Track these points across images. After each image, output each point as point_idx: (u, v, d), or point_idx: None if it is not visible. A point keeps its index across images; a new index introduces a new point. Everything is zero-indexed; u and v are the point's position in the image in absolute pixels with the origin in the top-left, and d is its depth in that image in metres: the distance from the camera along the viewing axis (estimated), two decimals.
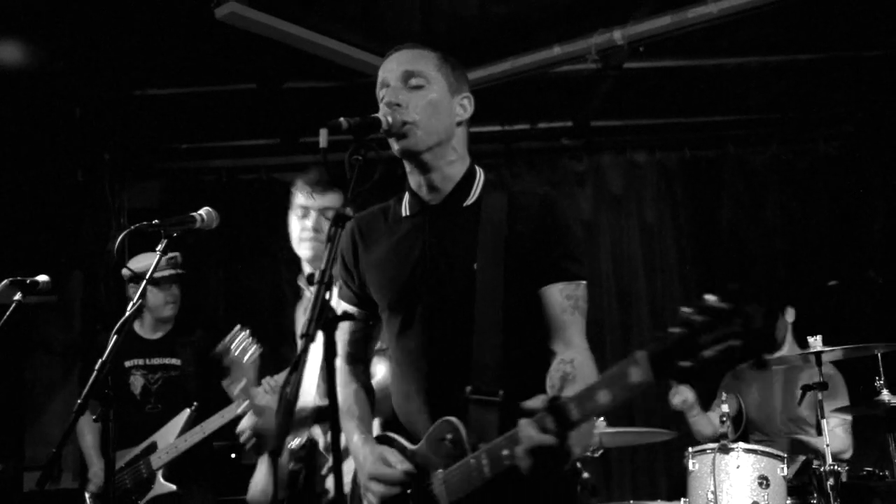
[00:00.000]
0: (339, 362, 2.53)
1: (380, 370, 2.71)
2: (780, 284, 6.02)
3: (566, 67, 5.41)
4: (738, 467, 4.15)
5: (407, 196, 2.43)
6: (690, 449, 4.37)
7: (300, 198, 3.30)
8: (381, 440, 2.39)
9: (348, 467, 2.70)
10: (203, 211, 3.08)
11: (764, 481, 4.10)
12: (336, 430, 1.82)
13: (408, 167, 2.37)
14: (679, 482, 4.62)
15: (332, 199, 3.26)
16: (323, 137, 2.03)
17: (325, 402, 2.94)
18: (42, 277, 3.48)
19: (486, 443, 2.04)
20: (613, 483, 6.06)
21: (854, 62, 5.67)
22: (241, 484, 3.36)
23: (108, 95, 5.56)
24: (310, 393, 3.00)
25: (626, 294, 6.34)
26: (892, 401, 4.16)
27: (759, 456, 4.17)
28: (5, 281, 3.40)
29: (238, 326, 3.17)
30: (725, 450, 4.19)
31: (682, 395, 4.82)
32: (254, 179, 6.36)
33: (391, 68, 2.33)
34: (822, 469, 4.10)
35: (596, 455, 4.61)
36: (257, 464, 3.23)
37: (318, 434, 3.07)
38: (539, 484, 1.94)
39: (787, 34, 5.34)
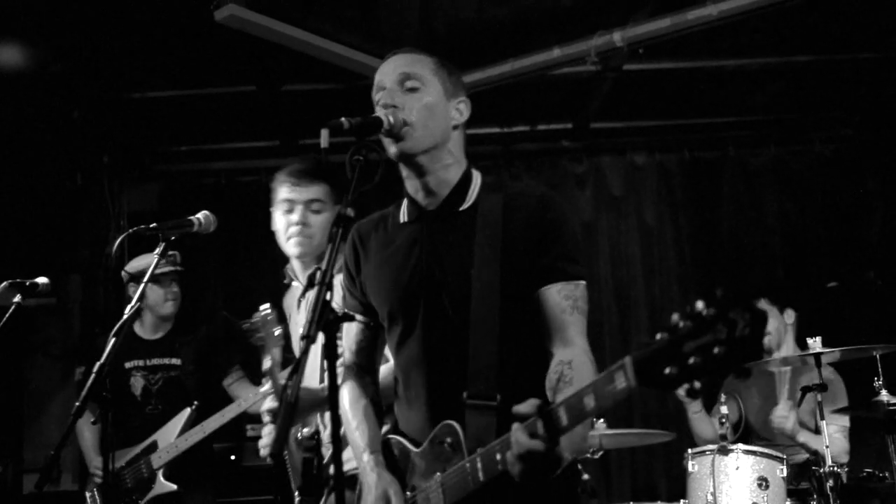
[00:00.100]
0: (348, 376, 2.54)
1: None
2: (779, 286, 6.02)
3: (566, 69, 5.41)
4: (737, 469, 4.14)
5: (405, 202, 2.43)
6: (690, 450, 4.37)
7: (283, 191, 3.22)
8: (387, 444, 2.40)
9: (348, 455, 2.72)
10: (201, 215, 3.08)
11: (763, 483, 4.10)
12: (336, 423, 1.82)
13: (404, 172, 2.36)
14: (678, 483, 4.62)
15: (317, 191, 3.19)
16: (324, 138, 2.03)
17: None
18: (41, 280, 3.48)
19: (483, 447, 2.04)
20: (613, 484, 6.06)
21: (852, 64, 5.68)
22: (242, 485, 3.36)
23: (106, 98, 5.56)
24: (315, 379, 2.98)
25: (626, 296, 6.34)
26: (891, 402, 4.16)
27: (758, 457, 4.17)
28: (4, 283, 3.40)
29: (266, 305, 3.14)
30: (725, 451, 4.18)
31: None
32: (253, 182, 6.35)
33: (387, 71, 2.34)
34: (821, 470, 4.10)
35: (595, 456, 4.61)
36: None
37: (322, 424, 3.07)
38: (536, 488, 1.93)
39: (786, 36, 5.34)
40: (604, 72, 5.38)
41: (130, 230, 2.96)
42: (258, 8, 4.60)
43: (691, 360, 1.50)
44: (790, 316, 5.00)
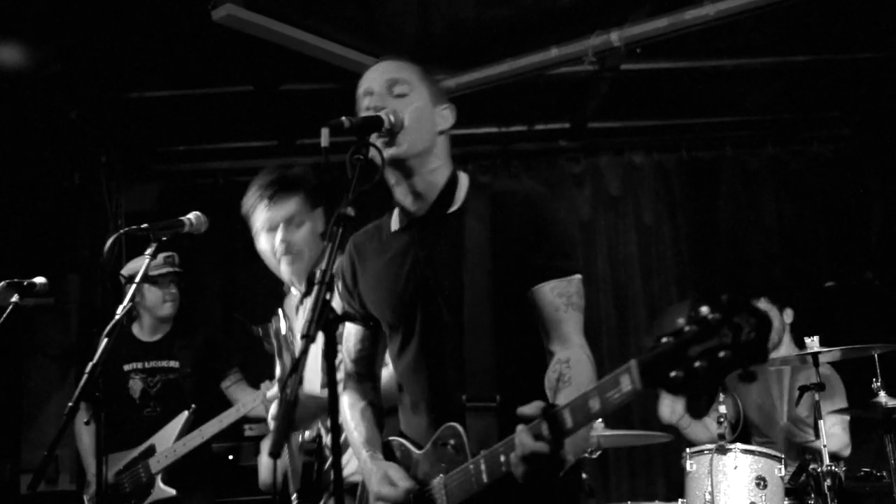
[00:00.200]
0: (348, 383, 2.55)
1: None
2: (777, 286, 6.02)
3: (563, 69, 5.41)
4: (735, 468, 4.14)
5: (396, 211, 2.44)
6: (688, 449, 4.37)
7: (260, 213, 3.13)
8: (388, 445, 2.40)
9: (346, 459, 2.68)
10: (192, 215, 3.08)
11: (761, 482, 4.10)
12: (336, 426, 1.83)
13: (392, 178, 2.33)
14: (676, 483, 4.62)
15: (293, 205, 3.10)
16: (324, 137, 2.03)
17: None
18: (39, 280, 3.46)
19: (486, 449, 2.04)
20: (611, 484, 6.06)
21: (851, 64, 5.68)
22: (241, 485, 3.35)
23: (104, 97, 5.55)
24: (316, 384, 2.98)
25: (624, 295, 6.35)
26: (889, 402, 4.16)
27: (756, 457, 4.17)
28: (2, 283, 3.38)
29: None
30: (723, 450, 4.19)
31: (670, 408, 4.87)
32: (251, 182, 6.33)
33: (374, 77, 2.34)
34: (819, 470, 4.10)
35: (594, 456, 4.61)
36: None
37: (324, 428, 3.07)
38: (539, 489, 1.93)
39: (783, 36, 5.35)
40: (601, 72, 5.38)
41: (121, 231, 2.96)
42: (256, 8, 4.60)
43: (697, 364, 1.51)
44: (789, 315, 5.01)
